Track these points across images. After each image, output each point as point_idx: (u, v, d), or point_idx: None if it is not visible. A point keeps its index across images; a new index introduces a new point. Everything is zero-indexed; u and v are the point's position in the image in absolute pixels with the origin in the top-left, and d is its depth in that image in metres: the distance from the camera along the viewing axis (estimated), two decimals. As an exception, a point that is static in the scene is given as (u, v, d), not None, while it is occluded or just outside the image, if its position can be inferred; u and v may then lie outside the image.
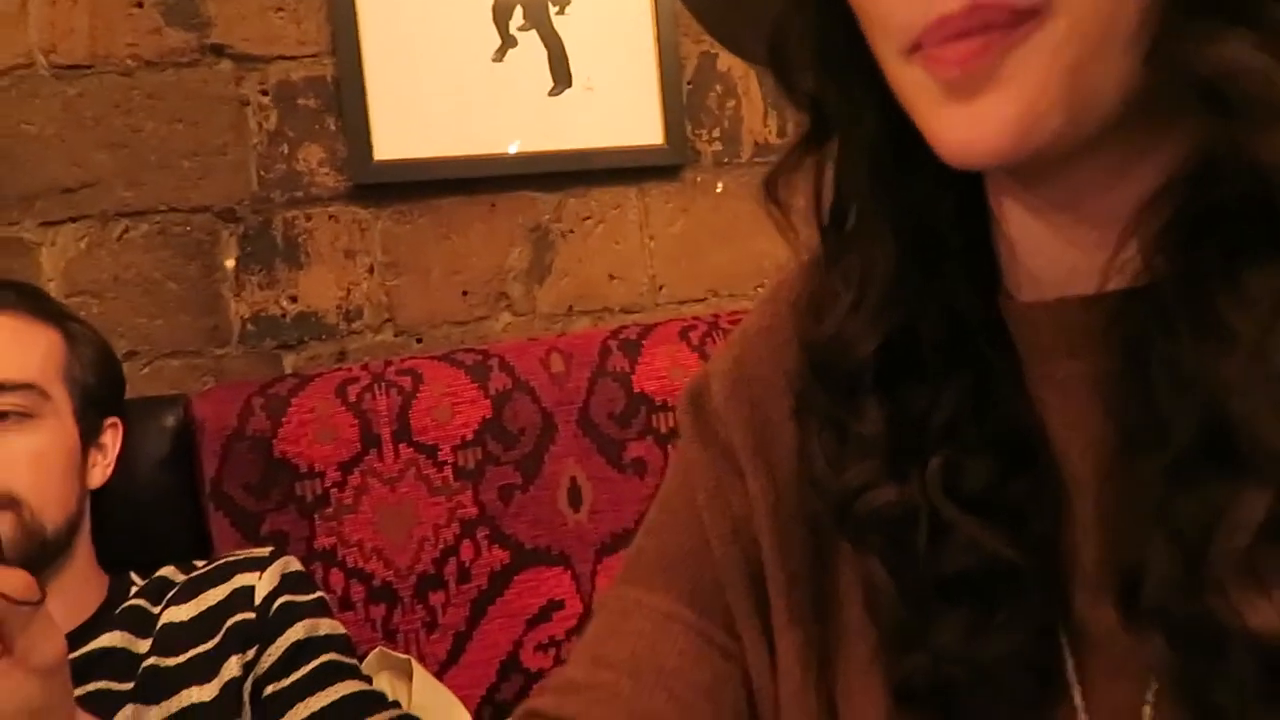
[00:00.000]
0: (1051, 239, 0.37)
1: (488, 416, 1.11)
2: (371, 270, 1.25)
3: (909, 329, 0.39)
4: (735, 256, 1.38)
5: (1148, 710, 0.36)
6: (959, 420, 0.39)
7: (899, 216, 0.39)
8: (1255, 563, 0.31)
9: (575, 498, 1.14)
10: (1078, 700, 0.37)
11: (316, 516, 1.05)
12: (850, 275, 0.40)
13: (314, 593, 0.90)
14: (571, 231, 1.32)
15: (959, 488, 0.38)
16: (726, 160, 1.37)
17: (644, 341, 1.18)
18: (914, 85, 0.34)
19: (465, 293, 1.29)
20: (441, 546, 1.09)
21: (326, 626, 0.86)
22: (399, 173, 1.24)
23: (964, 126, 0.33)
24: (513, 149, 1.28)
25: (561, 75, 1.28)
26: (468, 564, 1.10)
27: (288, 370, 1.21)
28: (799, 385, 0.43)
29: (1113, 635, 0.36)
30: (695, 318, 1.24)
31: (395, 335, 1.27)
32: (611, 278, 1.34)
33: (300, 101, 1.21)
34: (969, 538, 0.38)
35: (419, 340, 1.27)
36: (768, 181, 0.43)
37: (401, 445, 1.08)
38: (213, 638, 0.83)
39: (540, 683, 0.55)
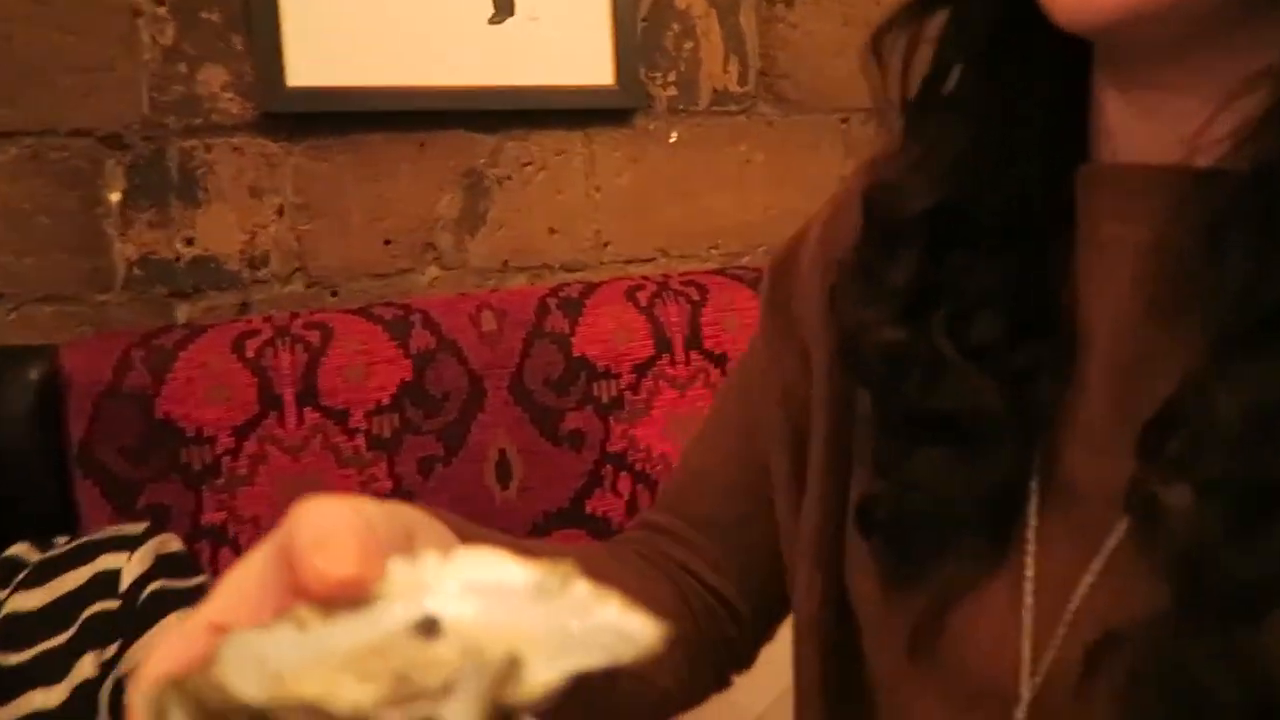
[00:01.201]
0: (1144, 117, 0.37)
1: (407, 379, 0.98)
2: (281, 212, 1.11)
3: (968, 199, 0.39)
4: (688, 213, 1.27)
5: (1100, 562, 0.36)
6: (989, 285, 0.39)
7: (994, 92, 0.39)
8: None
9: (504, 472, 1.02)
10: (1029, 558, 0.38)
11: (204, 488, 0.92)
12: (928, 135, 0.41)
13: (196, 577, 0.78)
14: (509, 178, 1.19)
15: (965, 336, 0.39)
16: (682, 108, 1.26)
17: (586, 301, 1.07)
18: None
19: (388, 241, 1.15)
20: (351, 524, 0.97)
21: (206, 618, 0.73)
22: (315, 102, 1.09)
23: None
24: (504, 79, 1.14)
25: (504, 2, 1.15)
26: (381, 544, 0.98)
27: (180, 322, 1.06)
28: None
29: (1089, 494, 0.37)
30: (644, 277, 1.13)
31: (307, 286, 1.13)
32: (552, 231, 1.21)
33: (202, 15, 1.06)
34: (961, 381, 0.39)
35: (334, 293, 1.14)
36: (875, 36, 0.42)
37: (306, 409, 0.95)
38: (65, 630, 0.71)
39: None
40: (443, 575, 0.24)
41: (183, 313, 1.08)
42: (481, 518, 1.01)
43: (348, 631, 0.23)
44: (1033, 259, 0.40)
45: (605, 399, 1.05)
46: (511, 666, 0.22)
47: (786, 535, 0.49)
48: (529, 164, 1.20)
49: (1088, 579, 0.37)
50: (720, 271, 1.15)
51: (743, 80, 1.28)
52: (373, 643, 0.23)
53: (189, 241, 1.08)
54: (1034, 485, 0.39)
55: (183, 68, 1.06)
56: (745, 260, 1.30)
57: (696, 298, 1.10)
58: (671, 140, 1.25)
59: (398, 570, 0.24)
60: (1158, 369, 0.35)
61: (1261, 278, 0.33)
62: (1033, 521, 0.38)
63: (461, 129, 1.16)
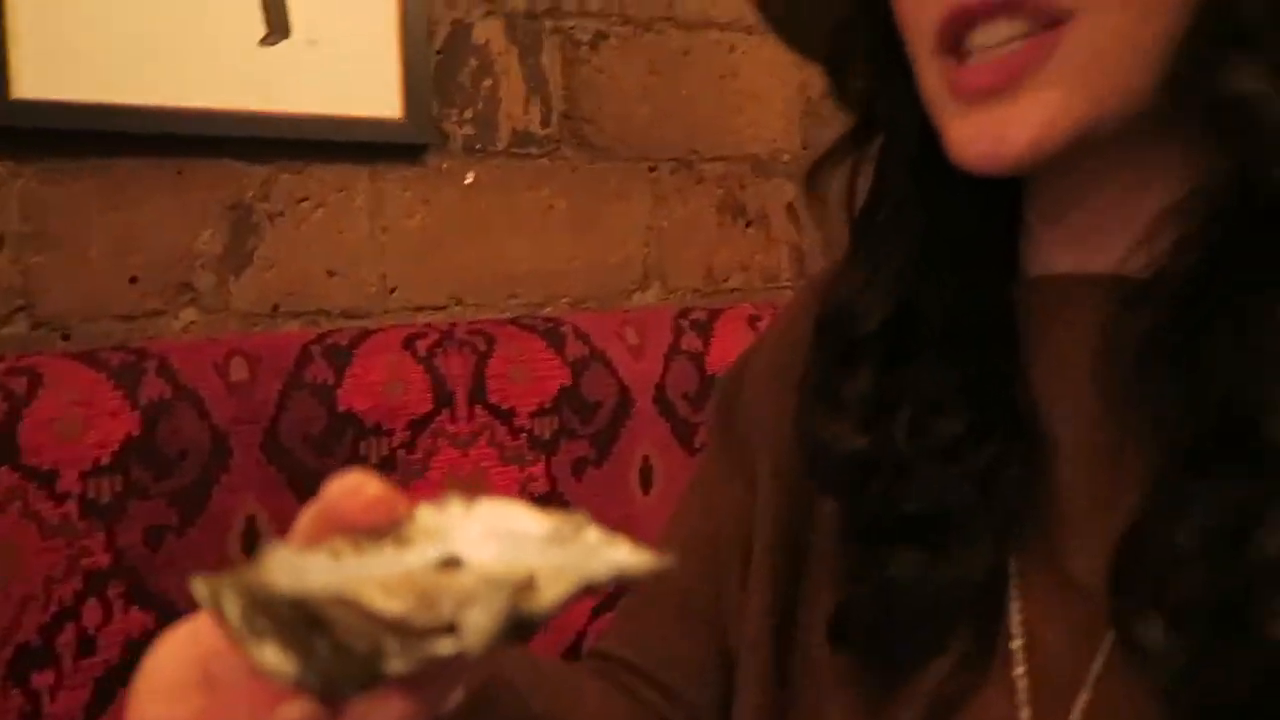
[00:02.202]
0: (1069, 238, 0.40)
1: (134, 434, 0.85)
2: (2, 242, 0.96)
3: (916, 309, 0.42)
4: (484, 258, 1.19)
5: (1090, 683, 0.36)
6: (945, 391, 0.41)
7: (930, 210, 0.42)
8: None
9: (252, 543, 0.90)
10: (1016, 647, 0.38)
11: None
12: (871, 258, 0.43)
13: None
14: (282, 214, 1.08)
15: (928, 438, 0.41)
16: (479, 147, 1.18)
17: (356, 349, 0.96)
18: (937, 91, 0.38)
19: (134, 279, 1.02)
20: (55, 609, 0.82)
21: None
22: (49, 117, 0.96)
23: (980, 135, 0.36)
24: (275, 106, 1.03)
25: (277, 22, 1.05)
26: (92, 631, 0.83)
27: None
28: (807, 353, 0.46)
29: (1072, 592, 0.38)
30: (427, 325, 1.03)
31: (32, 328, 0.98)
32: (331, 274, 1.11)
33: (-93, 11, 0.92)
34: (928, 480, 0.40)
35: (65, 337, 0.99)
36: (810, 174, 0.46)
37: (3, 469, 0.80)
38: None
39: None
40: (465, 521, 0.27)
41: None
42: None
43: (377, 563, 0.26)
44: (985, 362, 0.41)
45: (375, 459, 0.95)
46: (528, 582, 0.25)
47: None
48: (305, 199, 1.09)
49: (1084, 695, 0.36)
50: (511, 321, 1.07)
51: (545, 122, 1.22)
52: (398, 574, 0.26)
53: (-124, 271, 0.92)
54: (1013, 585, 0.39)
55: (-122, 70, 0.91)
56: (547, 311, 1.23)
57: (483, 348, 1.01)
58: (467, 181, 1.17)
59: (424, 514, 0.27)
60: (1126, 470, 0.37)
61: (1198, 395, 0.34)
62: (1017, 618, 0.39)
63: (228, 158, 1.05)
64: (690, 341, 1.13)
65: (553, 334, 1.06)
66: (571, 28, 1.23)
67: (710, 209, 1.33)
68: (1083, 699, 0.36)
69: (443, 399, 0.98)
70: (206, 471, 0.88)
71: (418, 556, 0.26)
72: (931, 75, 0.38)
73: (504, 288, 1.20)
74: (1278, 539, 0.31)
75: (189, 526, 0.87)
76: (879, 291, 0.42)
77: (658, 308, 1.17)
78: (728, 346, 1.15)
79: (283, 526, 0.89)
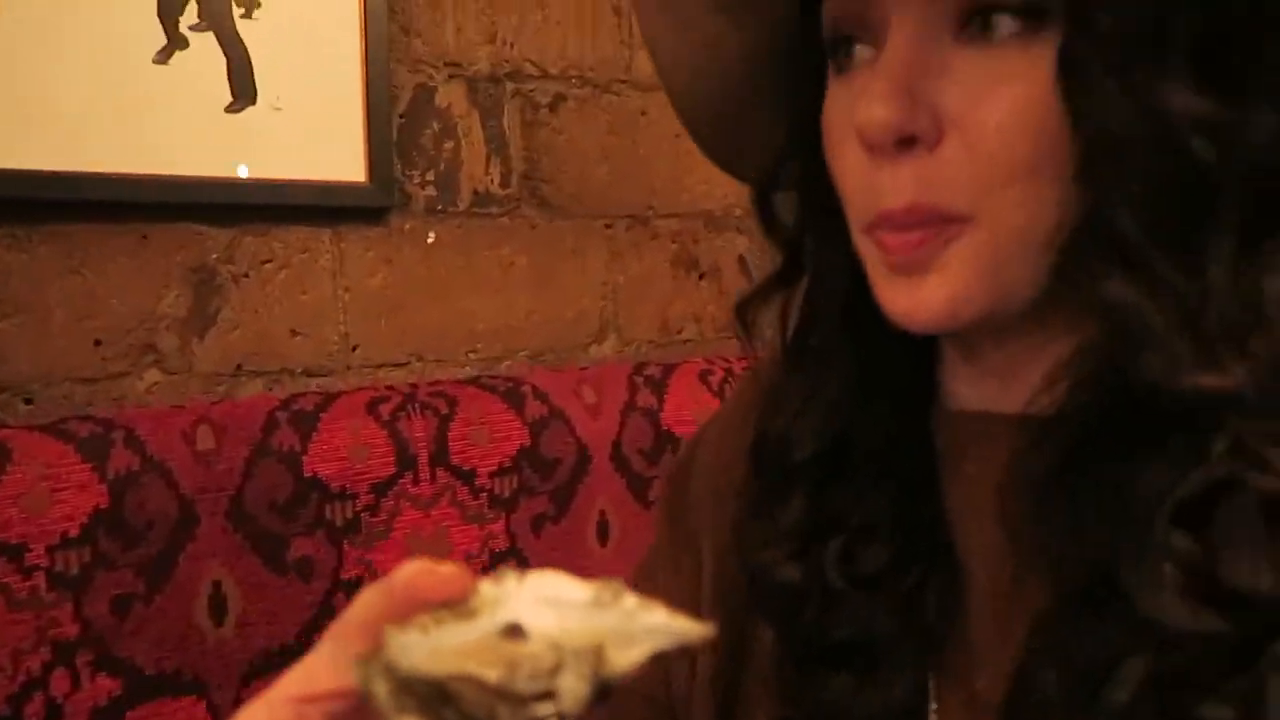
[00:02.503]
0: (983, 376, 0.45)
1: (103, 506, 0.87)
2: (-36, 308, 0.97)
3: (847, 438, 0.45)
4: (446, 316, 1.22)
5: None
6: (873, 519, 0.44)
7: (860, 345, 0.46)
8: (1133, 714, 0.35)
9: (219, 608, 0.92)
10: None
11: None
12: (803, 387, 0.47)
13: None
14: (246, 275, 1.10)
15: (855, 567, 0.44)
16: (440, 208, 1.21)
17: (322, 414, 0.99)
18: (869, 256, 0.42)
19: (98, 342, 1.03)
20: (24, 679, 0.83)
21: None
22: (10, 186, 0.97)
23: (906, 301, 0.40)
24: (242, 172, 1.06)
25: (244, 89, 1.07)
26: (60, 700, 0.85)
27: None
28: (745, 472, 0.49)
29: (979, 710, 0.41)
30: (389, 387, 1.06)
31: (-6, 393, 0.99)
32: (294, 333, 1.13)
33: None
34: (854, 610, 0.43)
35: (28, 401, 1.00)
36: (739, 308, 0.50)
37: (-29, 545, 0.82)
38: None
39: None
40: (520, 592, 0.31)
41: None
42: (192, 660, 0.90)
43: (456, 633, 0.30)
44: (910, 491, 0.44)
45: (339, 522, 0.97)
46: (600, 650, 0.29)
47: None
48: (269, 261, 1.11)
49: None
50: (472, 381, 1.10)
51: (505, 183, 1.25)
52: (475, 642, 0.30)
53: None
54: (932, 699, 0.43)
55: None
56: (505, 365, 1.26)
57: (445, 410, 1.05)
58: (429, 241, 1.21)
59: (485, 587, 0.31)
60: (1024, 603, 0.39)
61: (1075, 538, 0.37)
62: None
63: (190, 222, 1.07)
64: (645, 399, 1.17)
65: (513, 394, 1.09)
66: (531, 90, 1.27)
67: (665, 263, 1.38)
68: None
69: (405, 462, 1.01)
70: (173, 540, 0.90)
71: (487, 624, 0.30)
72: (864, 240, 0.42)
73: (464, 344, 1.24)
74: (1122, 694, 0.35)
75: (156, 594, 0.89)
76: (812, 421, 0.45)
77: (614, 365, 1.21)
78: (681, 402, 1.19)
79: (248, 591, 0.92)
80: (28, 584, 0.84)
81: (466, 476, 1.04)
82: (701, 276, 1.42)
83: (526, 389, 1.11)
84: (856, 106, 0.38)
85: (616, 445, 1.14)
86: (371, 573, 0.99)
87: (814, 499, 0.45)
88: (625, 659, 0.29)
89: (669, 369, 1.22)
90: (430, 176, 1.20)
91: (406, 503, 1.01)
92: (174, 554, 0.90)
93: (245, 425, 0.95)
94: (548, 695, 0.28)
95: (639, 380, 1.18)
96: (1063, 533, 0.38)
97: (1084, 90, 0.36)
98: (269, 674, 0.93)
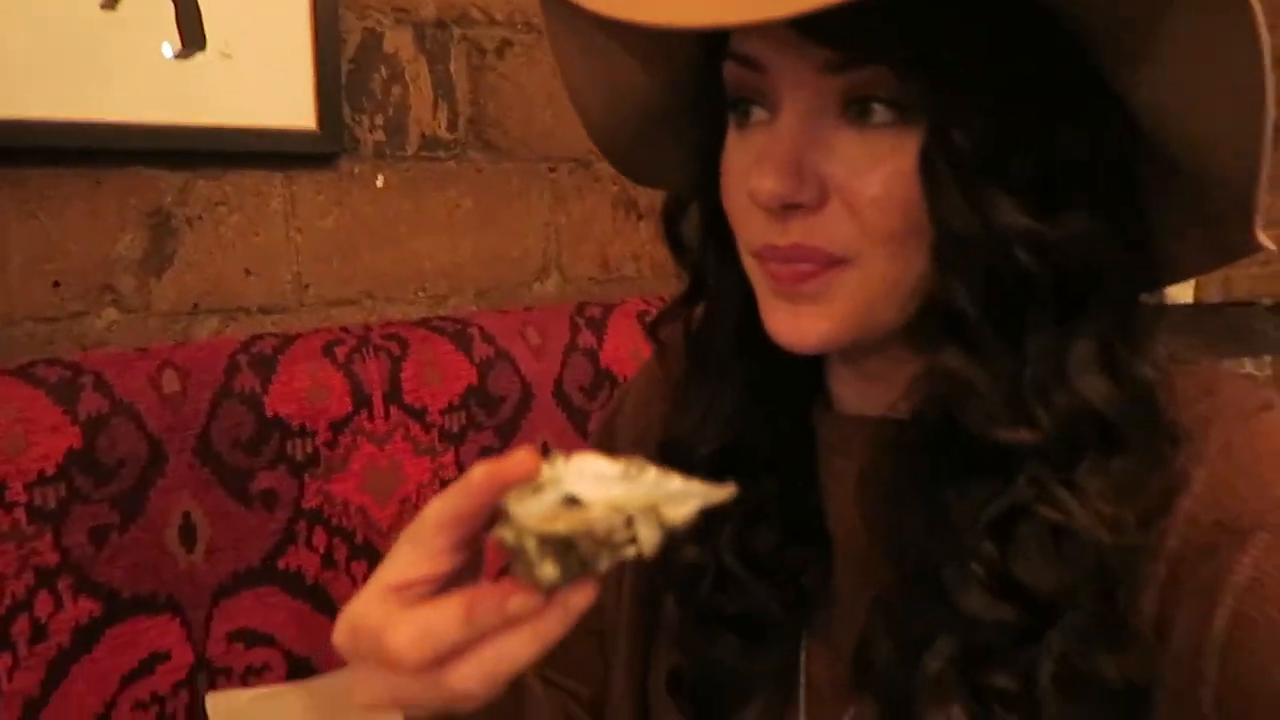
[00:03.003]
0: (861, 382, 0.53)
1: (75, 447, 0.93)
2: (-77, 250, 1.00)
3: (740, 441, 0.52)
4: (395, 257, 1.27)
5: (848, 716, 0.51)
6: (761, 506, 0.51)
7: (746, 361, 0.53)
8: (942, 680, 0.44)
9: (189, 536, 0.99)
10: (802, 708, 0.52)
11: None
12: (703, 397, 0.54)
13: None
14: (200, 218, 1.14)
15: (748, 549, 0.52)
16: (389, 152, 1.25)
17: (280, 357, 1.05)
18: (756, 279, 0.49)
19: (57, 284, 1.07)
20: (9, 603, 0.91)
21: None
22: (-36, 132, 0.99)
23: (789, 326, 0.47)
24: (192, 119, 1.05)
25: (192, 36, 1.09)
26: (44, 620, 0.92)
27: None
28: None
29: (841, 674, 0.50)
30: (344, 329, 1.12)
31: (-43, 333, 1.03)
32: (248, 273, 1.18)
33: None
34: (743, 588, 0.51)
35: (-9, 340, 1.04)
36: (652, 326, 0.57)
37: (-49, 483, 0.87)
38: None
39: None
40: (568, 470, 0.38)
41: None
42: (166, 583, 0.98)
43: (536, 504, 0.37)
44: (793, 481, 0.52)
45: (299, 457, 1.05)
46: (657, 509, 0.36)
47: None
48: (222, 204, 1.15)
49: None
50: (423, 324, 1.17)
51: (452, 127, 1.29)
52: (551, 509, 0.36)
53: None
54: (803, 653, 0.52)
55: None
56: (452, 303, 1.33)
57: (397, 352, 1.11)
58: (378, 184, 1.25)
59: (545, 469, 0.38)
60: (872, 577, 0.48)
61: (910, 529, 0.46)
62: (804, 679, 0.53)
63: (143, 167, 1.10)
64: (586, 339, 1.25)
65: (461, 336, 1.17)
66: (477, 36, 1.30)
67: (605, 205, 1.44)
68: None
69: (361, 401, 1.08)
70: (144, 476, 0.96)
71: (553, 496, 0.37)
72: (753, 268, 0.49)
73: (413, 283, 1.29)
74: (937, 664, 0.44)
75: (130, 525, 0.96)
76: (710, 428, 0.53)
77: (557, 307, 1.28)
78: (620, 342, 1.28)
79: (216, 520, 1.00)
80: (9, 517, 0.90)
81: (418, 414, 1.12)
82: (640, 217, 1.48)
83: (474, 331, 1.18)
84: (751, 173, 0.45)
85: (558, 383, 1.22)
86: (331, 502, 1.07)
87: None
88: (679, 514, 0.36)
89: (608, 310, 1.30)
90: (379, 121, 1.24)
91: (363, 438, 1.08)
92: (145, 489, 0.96)
93: (208, 369, 1.01)
94: (631, 542, 0.36)
95: (580, 321, 1.26)
96: (900, 526, 0.47)
97: (937, 191, 0.43)
98: (239, 593, 1.02)
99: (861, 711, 0.49)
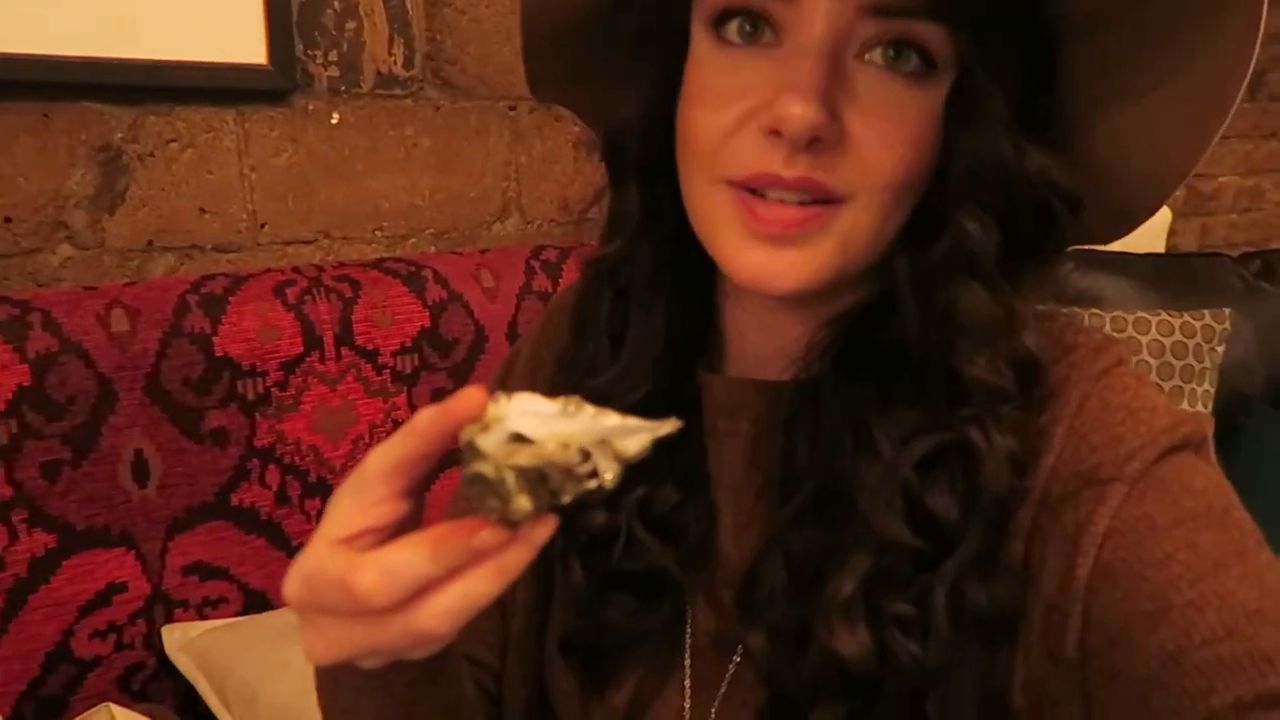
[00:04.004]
0: (758, 335, 0.52)
1: (25, 384, 0.94)
2: None
3: (650, 402, 0.50)
4: (351, 195, 1.27)
5: (727, 679, 0.52)
6: (658, 464, 0.48)
7: (664, 303, 0.52)
8: (850, 603, 0.45)
9: (141, 471, 1.02)
10: (686, 663, 0.54)
11: None
12: (620, 356, 0.53)
13: None
14: (152, 155, 1.14)
15: (650, 510, 0.52)
16: (344, 89, 1.24)
17: (230, 298, 1.06)
18: (725, 217, 0.46)
19: (8, 219, 1.07)
20: (-36, 533, 0.94)
21: None
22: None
23: (764, 268, 0.45)
24: (139, 53, 1.03)
25: (138, -33, 1.07)
26: (0, 552, 0.95)
27: None
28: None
29: (723, 613, 0.52)
30: (295, 270, 1.13)
31: (-92, 268, 1.03)
32: (203, 211, 1.18)
33: None
34: (644, 550, 0.52)
35: (-56, 275, 1.05)
36: (586, 265, 0.55)
37: (-97, 419, 0.89)
38: None
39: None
40: (509, 408, 0.38)
41: None
42: (120, 517, 1.01)
43: (489, 440, 0.37)
44: (685, 441, 0.50)
45: (251, 396, 1.07)
46: (609, 442, 0.37)
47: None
48: (174, 140, 1.15)
49: (723, 687, 0.51)
50: (375, 265, 1.18)
51: (408, 64, 1.28)
52: (504, 445, 0.37)
53: None
54: (688, 610, 0.54)
55: None
56: (410, 243, 1.33)
57: (349, 294, 1.13)
58: (333, 122, 1.24)
59: (490, 408, 0.38)
60: (756, 525, 0.50)
61: (805, 469, 0.47)
62: (688, 635, 0.54)
63: (91, 101, 1.09)
64: (541, 282, 1.26)
65: (414, 279, 1.17)
66: (434, -30, 1.27)
67: (566, 144, 1.43)
68: (722, 689, 0.52)
69: (312, 342, 1.10)
70: (95, 414, 0.98)
71: (500, 433, 0.37)
72: (722, 202, 0.46)
73: (370, 222, 1.30)
74: (847, 585, 0.45)
75: (82, 461, 0.98)
76: (624, 386, 0.52)
77: (512, 249, 1.29)
78: (574, 285, 1.29)
79: (168, 456, 1.03)
80: (-40, 452, 0.92)
81: (370, 355, 1.13)
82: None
83: (427, 273, 1.19)
84: (778, 100, 0.43)
85: (512, 325, 1.24)
86: (283, 441, 1.09)
87: None
88: (631, 446, 0.37)
89: (564, 253, 1.31)
90: (333, 57, 1.23)
91: (314, 379, 1.10)
92: (96, 425, 0.99)
93: (157, 308, 1.02)
94: (592, 475, 0.37)
95: (535, 264, 1.27)
96: (794, 468, 0.48)
97: (973, 135, 0.44)
98: (192, 527, 1.05)
99: (744, 663, 0.51)
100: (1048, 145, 0.46)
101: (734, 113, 0.44)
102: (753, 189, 0.45)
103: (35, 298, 0.98)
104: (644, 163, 0.50)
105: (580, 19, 0.51)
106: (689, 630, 0.54)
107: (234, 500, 1.07)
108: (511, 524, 0.37)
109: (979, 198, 0.45)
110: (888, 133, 0.44)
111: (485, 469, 0.36)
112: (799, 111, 0.42)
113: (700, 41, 0.46)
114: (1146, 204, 0.49)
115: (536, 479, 0.36)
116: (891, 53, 0.44)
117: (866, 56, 0.44)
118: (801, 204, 0.44)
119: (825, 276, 0.45)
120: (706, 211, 0.47)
